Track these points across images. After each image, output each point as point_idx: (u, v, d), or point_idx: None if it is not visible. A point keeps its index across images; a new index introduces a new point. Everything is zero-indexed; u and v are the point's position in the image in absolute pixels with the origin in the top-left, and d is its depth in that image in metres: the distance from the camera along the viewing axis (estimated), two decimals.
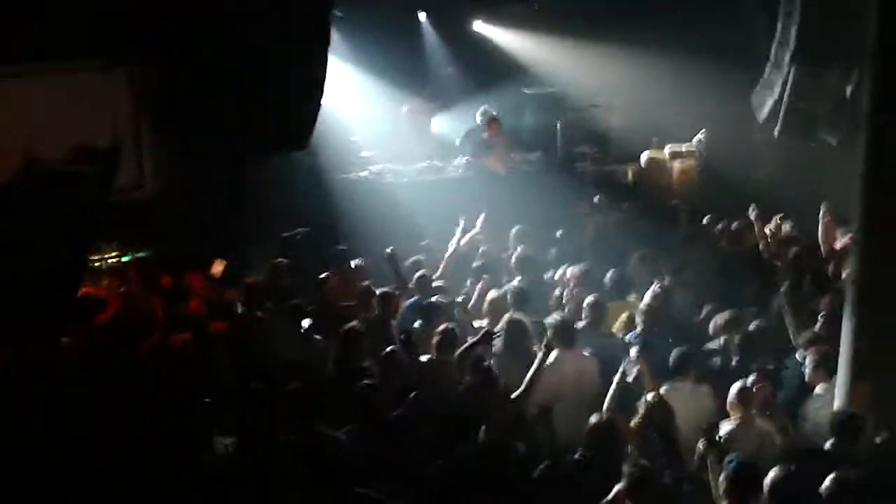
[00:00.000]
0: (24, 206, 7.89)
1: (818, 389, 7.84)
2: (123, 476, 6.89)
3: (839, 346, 7.71)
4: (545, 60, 15.56)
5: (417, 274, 10.26)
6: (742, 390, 7.45)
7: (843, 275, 9.32)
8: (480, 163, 14.01)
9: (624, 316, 9.38)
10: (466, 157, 14.38)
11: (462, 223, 11.34)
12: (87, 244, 8.66)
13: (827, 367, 7.84)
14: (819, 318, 8.94)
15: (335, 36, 11.37)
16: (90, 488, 6.87)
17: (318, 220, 12.68)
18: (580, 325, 8.98)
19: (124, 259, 10.92)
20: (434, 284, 10.18)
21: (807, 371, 8.00)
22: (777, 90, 14.96)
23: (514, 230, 11.62)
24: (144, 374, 8.40)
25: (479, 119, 14.68)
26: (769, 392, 7.66)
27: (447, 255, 11.01)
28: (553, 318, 8.56)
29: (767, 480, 6.20)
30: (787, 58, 14.74)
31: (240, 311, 9.85)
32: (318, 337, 9.30)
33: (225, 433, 7.31)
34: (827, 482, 6.16)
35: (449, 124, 15.30)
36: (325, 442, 6.96)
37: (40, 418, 7.41)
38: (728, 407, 7.48)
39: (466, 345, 8.43)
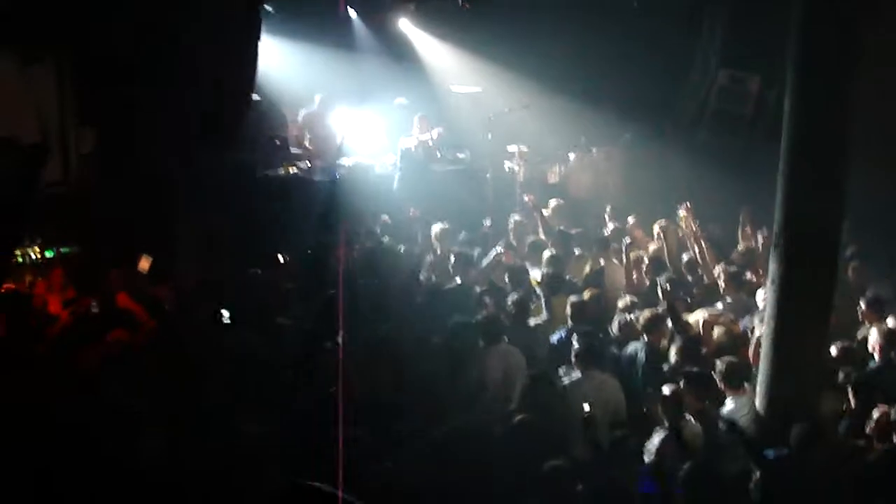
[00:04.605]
0: None
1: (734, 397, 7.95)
2: None
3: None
4: (471, 60, 15.68)
5: None
6: (672, 395, 7.65)
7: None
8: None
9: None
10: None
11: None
12: (9, 241, 8.44)
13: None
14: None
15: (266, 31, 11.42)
16: None
17: (244, 215, 12.57)
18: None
19: (48, 254, 10.74)
20: None
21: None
22: (702, 92, 15.30)
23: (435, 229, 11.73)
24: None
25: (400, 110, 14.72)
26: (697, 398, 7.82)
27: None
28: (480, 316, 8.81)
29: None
30: (713, 62, 15.12)
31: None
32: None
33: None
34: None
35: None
36: None
37: None
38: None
39: None
